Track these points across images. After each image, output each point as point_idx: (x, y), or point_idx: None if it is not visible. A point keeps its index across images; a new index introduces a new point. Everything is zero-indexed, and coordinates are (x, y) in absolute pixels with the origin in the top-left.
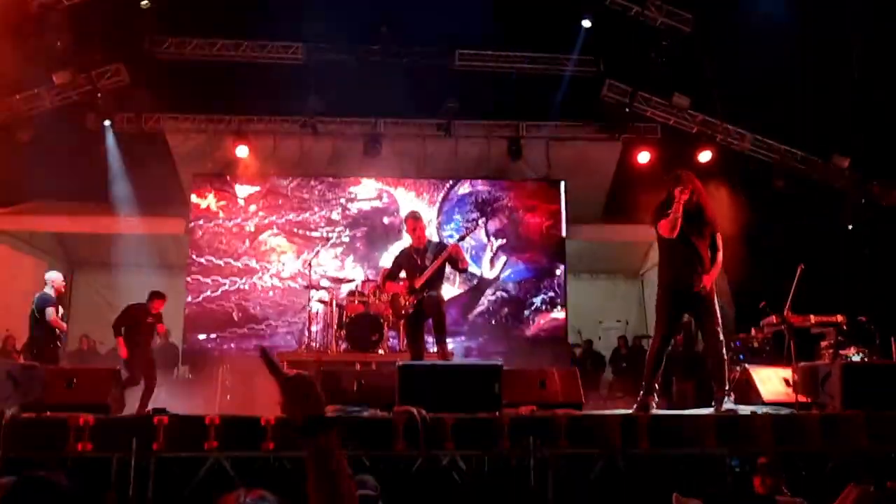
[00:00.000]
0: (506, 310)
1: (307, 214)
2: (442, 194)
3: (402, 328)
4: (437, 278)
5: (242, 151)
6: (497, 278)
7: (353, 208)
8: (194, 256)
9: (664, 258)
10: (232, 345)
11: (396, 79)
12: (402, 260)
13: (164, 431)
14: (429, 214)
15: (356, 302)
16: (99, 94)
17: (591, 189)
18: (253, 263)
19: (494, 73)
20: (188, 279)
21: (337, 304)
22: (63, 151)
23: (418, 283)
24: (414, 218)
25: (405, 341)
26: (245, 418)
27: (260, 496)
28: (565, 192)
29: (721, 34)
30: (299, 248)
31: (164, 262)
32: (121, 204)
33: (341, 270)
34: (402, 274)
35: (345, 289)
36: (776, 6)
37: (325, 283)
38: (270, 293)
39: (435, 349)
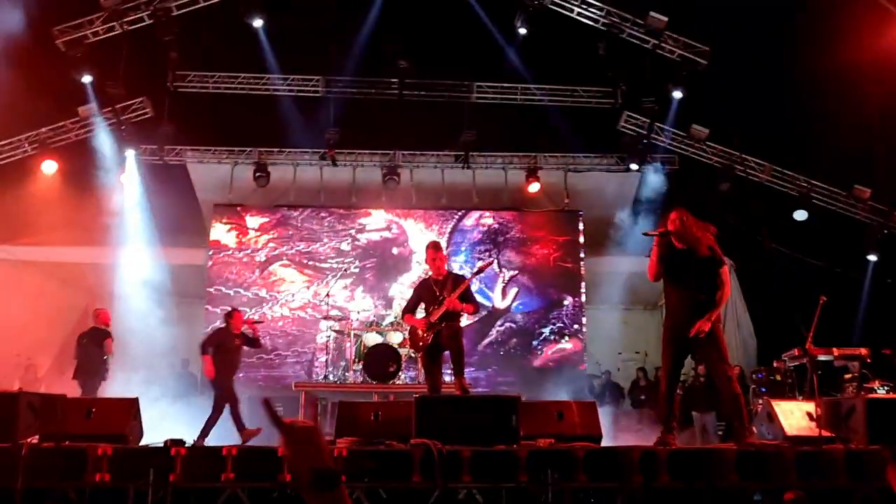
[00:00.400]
0: (514, 340)
1: (317, 245)
2: (451, 225)
3: (419, 360)
4: (455, 311)
5: (261, 183)
6: (508, 309)
7: (363, 239)
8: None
9: (665, 300)
10: (240, 375)
11: (415, 111)
12: (421, 291)
13: (182, 462)
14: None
15: (374, 333)
16: (123, 127)
17: (608, 219)
18: (263, 293)
19: (513, 105)
20: (206, 307)
21: (354, 335)
22: (87, 182)
23: (436, 316)
24: (434, 248)
25: (422, 373)
26: (262, 449)
27: None
28: (583, 222)
29: (738, 66)
30: (309, 279)
31: (186, 292)
32: (142, 234)
33: (351, 301)
34: (422, 306)
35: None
36: (792, 38)
37: (336, 313)
38: (280, 323)
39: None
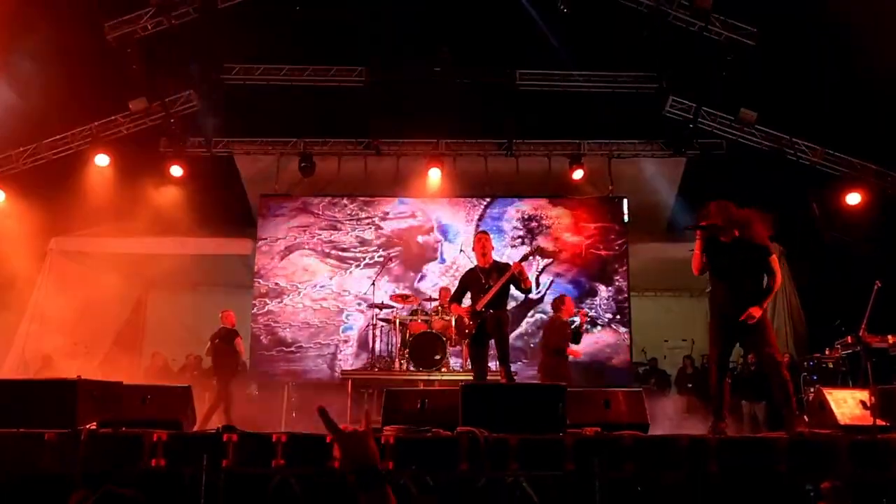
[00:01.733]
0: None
1: (339, 234)
2: (479, 212)
3: (465, 348)
4: (501, 298)
5: (308, 172)
6: (541, 299)
7: (387, 227)
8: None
9: (711, 291)
10: (261, 370)
11: (458, 99)
12: (468, 280)
13: (234, 448)
14: (466, 232)
15: (419, 321)
16: (172, 121)
17: (654, 206)
18: (283, 283)
19: (555, 92)
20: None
21: (400, 323)
22: (138, 176)
23: (481, 304)
24: (482, 237)
25: (468, 361)
26: (311, 436)
27: None
28: (629, 209)
29: (787, 46)
30: (332, 270)
31: (233, 282)
32: (191, 224)
33: (377, 292)
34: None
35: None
36: (843, 16)
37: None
38: (301, 315)
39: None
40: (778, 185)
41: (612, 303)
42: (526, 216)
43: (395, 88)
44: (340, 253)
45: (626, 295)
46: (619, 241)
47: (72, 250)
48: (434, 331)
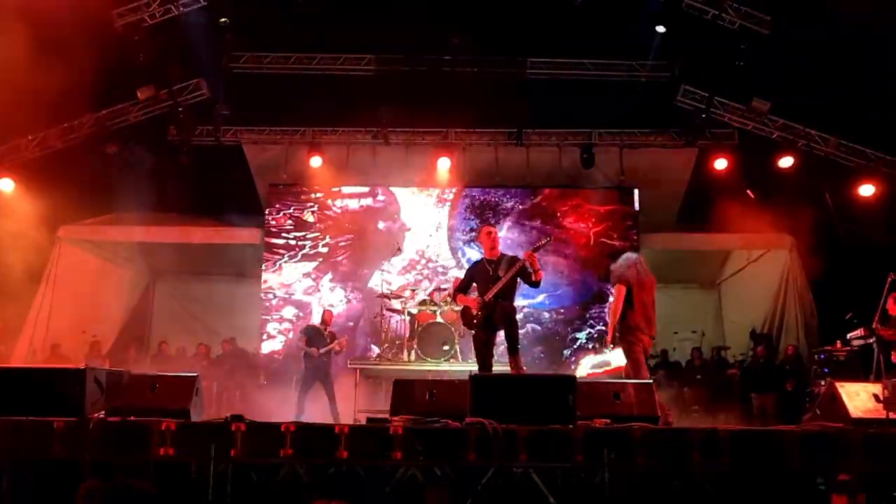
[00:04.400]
0: (538, 348)
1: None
2: (452, 195)
3: (472, 338)
4: (510, 290)
5: (316, 162)
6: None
7: (336, 206)
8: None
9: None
10: None
11: (467, 88)
12: (475, 271)
13: (242, 438)
14: (437, 218)
15: (428, 311)
16: (180, 109)
17: (665, 197)
18: None
19: (566, 81)
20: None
21: (408, 314)
22: (146, 164)
23: (490, 295)
24: (488, 229)
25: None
26: (320, 426)
27: None
28: (640, 199)
29: (801, 35)
30: (265, 263)
31: (241, 271)
32: (199, 213)
33: (314, 294)
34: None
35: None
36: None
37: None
38: None
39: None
40: (790, 177)
41: None
42: (512, 199)
43: (405, 77)
44: (271, 240)
45: None
46: (632, 231)
47: (80, 239)
48: (443, 321)
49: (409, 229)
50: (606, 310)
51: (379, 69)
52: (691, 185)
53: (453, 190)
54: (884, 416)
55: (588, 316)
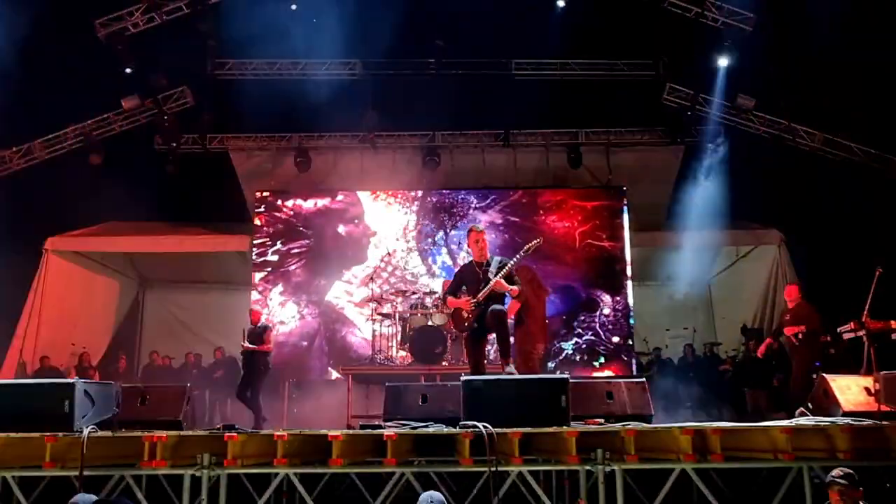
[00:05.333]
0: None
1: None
2: (419, 196)
3: (463, 342)
4: (500, 293)
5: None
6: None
7: (287, 207)
8: None
9: None
10: None
11: (453, 91)
12: (464, 274)
13: (235, 447)
14: (403, 219)
15: (419, 315)
16: (165, 117)
17: (653, 195)
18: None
19: (552, 81)
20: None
21: (400, 318)
22: (132, 174)
23: (482, 297)
24: (477, 231)
25: (466, 355)
26: (313, 434)
27: None
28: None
29: (785, 32)
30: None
31: (230, 279)
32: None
33: (263, 308)
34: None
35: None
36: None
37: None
38: None
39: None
40: (777, 171)
41: (618, 320)
42: (487, 200)
43: (390, 81)
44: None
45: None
46: (620, 232)
47: (67, 250)
48: (435, 325)
49: (374, 234)
50: (596, 321)
51: (365, 74)
52: (679, 183)
53: (419, 193)
54: (875, 409)
55: (576, 324)
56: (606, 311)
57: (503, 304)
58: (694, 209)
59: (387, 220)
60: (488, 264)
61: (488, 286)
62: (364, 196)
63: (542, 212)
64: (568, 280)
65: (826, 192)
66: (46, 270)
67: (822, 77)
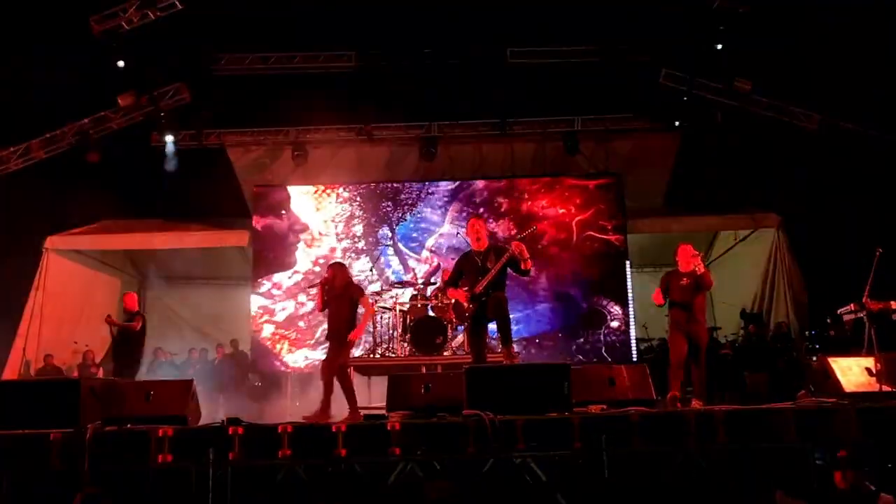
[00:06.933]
0: None
1: None
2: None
3: (464, 331)
4: (500, 280)
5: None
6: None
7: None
8: None
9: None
10: None
11: (449, 81)
12: (464, 264)
13: (240, 441)
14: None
15: (419, 305)
16: (162, 114)
17: (651, 181)
18: None
19: (547, 69)
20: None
21: (400, 309)
22: (130, 171)
23: (480, 287)
24: (476, 221)
25: (467, 344)
26: (317, 426)
27: None
28: (625, 185)
29: (782, 12)
30: None
31: (231, 274)
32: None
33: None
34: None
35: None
36: None
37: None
38: None
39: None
40: (775, 154)
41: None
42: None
43: (386, 72)
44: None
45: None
46: (619, 220)
47: (67, 248)
48: (435, 315)
49: (305, 231)
50: (602, 339)
51: (361, 65)
52: (677, 168)
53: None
54: (877, 390)
55: (574, 347)
56: (615, 323)
57: (503, 290)
58: (692, 194)
59: (322, 213)
60: (487, 252)
61: (486, 276)
62: (296, 190)
63: (529, 196)
64: (566, 284)
65: (824, 173)
66: (47, 270)
67: (820, 57)
